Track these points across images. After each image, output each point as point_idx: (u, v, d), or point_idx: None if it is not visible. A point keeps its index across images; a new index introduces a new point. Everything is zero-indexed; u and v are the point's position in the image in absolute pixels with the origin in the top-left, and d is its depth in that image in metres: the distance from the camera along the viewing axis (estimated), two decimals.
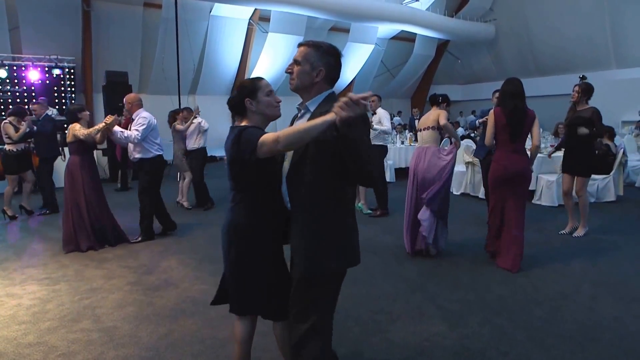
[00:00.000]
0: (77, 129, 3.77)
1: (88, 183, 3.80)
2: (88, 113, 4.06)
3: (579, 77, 10.99)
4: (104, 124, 3.72)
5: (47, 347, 2.18)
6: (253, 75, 12.71)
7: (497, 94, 4.32)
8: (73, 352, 2.14)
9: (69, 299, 2.78)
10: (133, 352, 2.14)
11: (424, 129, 3.59)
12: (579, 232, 4.06)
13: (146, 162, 3.93)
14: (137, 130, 3.79)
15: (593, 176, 5.58)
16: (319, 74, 1.39)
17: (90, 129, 3.79)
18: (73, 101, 8.89)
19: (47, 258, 3.62)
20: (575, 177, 3.99)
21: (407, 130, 8.91)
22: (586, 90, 3.86)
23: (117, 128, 3.78)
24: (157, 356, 2.10)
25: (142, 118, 3.86)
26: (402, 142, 7.90)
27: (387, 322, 2.40)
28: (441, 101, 3.63)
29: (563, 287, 2.86)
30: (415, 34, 13.44)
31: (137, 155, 3.94)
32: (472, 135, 7.91)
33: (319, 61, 1.39)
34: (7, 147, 5.03)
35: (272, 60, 12.11)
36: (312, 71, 1.39)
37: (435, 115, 3.57)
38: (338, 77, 1.46)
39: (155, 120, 3.98)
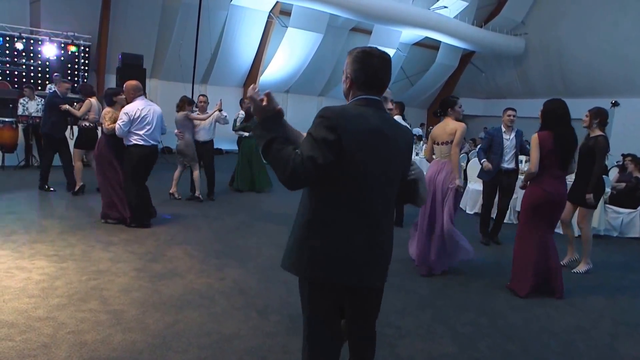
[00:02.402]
0: (106, 119, 4.27)
1: (116, 160, 4.27)
2: (124, 97, 4.29)
3: (611, 102, 10.91)
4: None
5: (57, 323, 2.30)
6: (267, 70, 12.75)
7: (508, 112, 4.32)
8: (82, 331, 2.25)
9: (76, 278, 2.91)
10: (140, 337, 2.25)
11: (441, 143, 3.55)
12: (580, 268, 3.87)
13: (126, 149, 4.16)
14: (118, 125, 4.05)
15: (618, 209, 5.61)
16: (348, 82, 1.47)
17: (114, 125, 4.17)
18: (85, 80, 9.11)
19: (55, 235, 3.76)
20: (579, 208, 3.84)
21: (421, 142, 8.99)
22: (596, 114, 3.68)
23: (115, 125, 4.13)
24: (163, 344, 2.20)
25: (123, 113, 4.05)
26: (417, 154, 7.96)
27: (396, 337, 2.47)
28: (443, 112, 3.55)
29: (581, 321, 2.88)
30: (440, 41, 13.54)
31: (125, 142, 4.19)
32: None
33: (348, 69, 1.46)
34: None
35: (289, 56, 12.28)
36: (345, 80, 1.48)
37: (451, 129, 3.49)
38: (370, 81, 1.42)
39: (142, 112, 4.06)
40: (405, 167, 1.53)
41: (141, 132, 4.08)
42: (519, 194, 5.67)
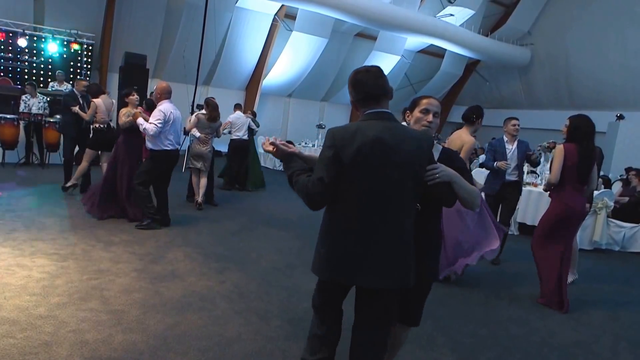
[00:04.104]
0: (121, 115, 4.54)
1: (127, 160, 4.51)
2: (135, 97, 4.65)
3: (616, 115, 11.03)
4: (133, 112, 4.43)
5: (58, 322, 2.34)
6: (271, 74, 12.88)
7: (512, 121, 4.30)
8: (82, 330, 2.29)
9: (77, 277, 2.95)
10: (141, 338, 2.28)
11: None
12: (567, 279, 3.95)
13: (153, 152, 4.26)
14: (154, 124, 4.08)
15: (620, 223, 5.67)
16: (352, 105, 1.67)
17: (126, 120, 4.44)
18: (88, 78, 9.21)
19: (56, 233, 3.81)
20: None
21: None
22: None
23: (140, 120, 4.20)
24: (164, 346, 2.24)
25: (158, 112, 4.12)
26: None
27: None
28: (476, 118, 3.61)
29: (581, 336, 2.92)
30: (445, 49, 13.68)
31: (148, 145, 4.29)
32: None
33: (349, 95, 1.65)
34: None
35: (293, 60, 12.40)
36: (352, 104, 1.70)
37: (462, 142, 3.55)
38: (363, 96, 1.57)
39: (173, 115, 4.18)
40: (416, 171, 1.56)
41: (171, 137, 4.21)
42: (521, 206, 5.75)
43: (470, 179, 1.74)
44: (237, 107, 7.20)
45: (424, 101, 1.82)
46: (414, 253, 1.62)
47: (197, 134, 5.37)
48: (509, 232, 5.75)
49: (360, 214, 1.51)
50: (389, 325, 1.72)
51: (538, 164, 4.62)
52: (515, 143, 4.31)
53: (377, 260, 1.51)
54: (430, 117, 1.78)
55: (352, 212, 1.52)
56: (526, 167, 8.60)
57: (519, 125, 4.33)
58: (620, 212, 5.81)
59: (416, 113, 1.82)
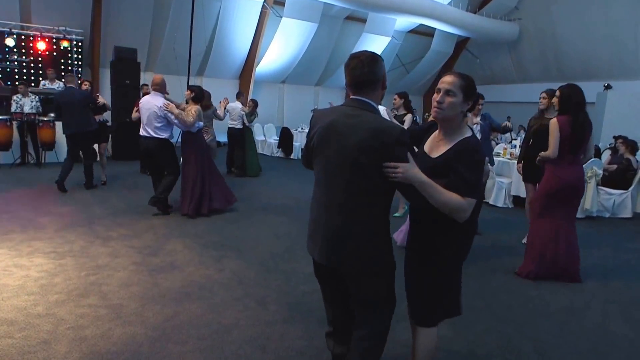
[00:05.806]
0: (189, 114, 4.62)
1: (195, 158, 4.56)
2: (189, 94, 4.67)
3: (604, 85, 10.86)
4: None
5: (57, 319, 2.28)
6: (263, 61, 12.67)
7: (480, 102, 4.15)
8: (81, 326, 2.23)
9: (75, 274, 2.88)
10: (140, 330, 2.23)
11: None
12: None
13: None
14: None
15: (610, 190, 5.62)
16: None
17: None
18: (80, 75, 8.95)
19: (52, 232, 3.73)
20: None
21: None
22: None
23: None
24: (163, 336, 2.19)
25: None
26: None
27: (393, 322, 2.45)
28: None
29: (573, 302, 2.91)
30: (435, 28, 13.35)
31: None
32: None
33: None
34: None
35: (284, 46, 12.10)
36: None
37: None
38: (348, 82, 1.53)
39: (140, 106, 4.48)
40: (360, 161, 1.44)
41: (141, 127, 4.47)
42: (514, 179, 5.68)
43: (462, 186, 1.43)
44: (239, 95, 7.28)
45: (441, 79, 1.55)
46: (358, 239, 1.51)
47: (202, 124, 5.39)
48: (504, 205, 5.72)
49: (315, 193, 1.62)
50: (366, 308, 1.68)
51: (510, 130, 4.50)
52: (479, 117, 4.19)
53: (321, 237, 1.57)
54: (439, 97, 1.50)
55: (314, 190, 1.64)
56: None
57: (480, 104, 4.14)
58: (609, 180, 5.76)
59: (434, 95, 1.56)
